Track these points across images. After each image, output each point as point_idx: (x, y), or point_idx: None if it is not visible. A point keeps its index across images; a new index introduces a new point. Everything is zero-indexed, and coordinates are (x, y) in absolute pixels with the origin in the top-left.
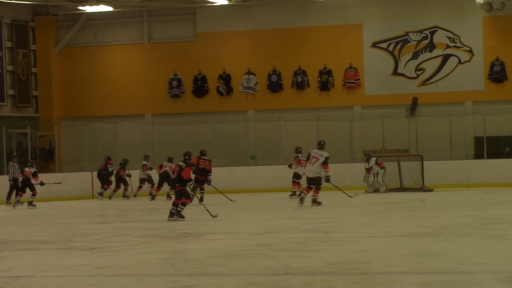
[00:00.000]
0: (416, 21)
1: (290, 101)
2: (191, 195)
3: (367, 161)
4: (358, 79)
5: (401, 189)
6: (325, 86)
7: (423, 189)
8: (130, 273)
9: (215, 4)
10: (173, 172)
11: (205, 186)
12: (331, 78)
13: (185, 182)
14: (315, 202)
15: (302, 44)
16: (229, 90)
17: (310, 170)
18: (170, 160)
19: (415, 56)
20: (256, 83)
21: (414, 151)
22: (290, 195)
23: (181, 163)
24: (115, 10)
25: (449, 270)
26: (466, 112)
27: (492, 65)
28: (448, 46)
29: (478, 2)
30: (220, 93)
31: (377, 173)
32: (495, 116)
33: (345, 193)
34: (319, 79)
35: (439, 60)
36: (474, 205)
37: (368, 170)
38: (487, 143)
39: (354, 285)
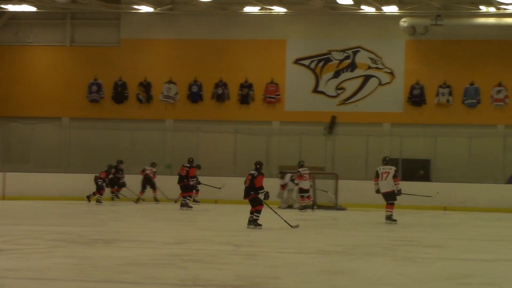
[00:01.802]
0: (339, 40)
1: (210, 112)
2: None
3: (282, 177)
4: (279, 95)
5: (315, 206)
6: (245, 99)
7: (336, 207)
8: (37, 277)
9: (140, 11)
10: (245, 182)
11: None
12: (251, 92)
13: (257, 190)
14: (389, 218)
15: (225, 56)
16: (149, 98)
17: (385, 185)
18: (152, 165)
19: (336, 75)
20: (177, 93)
21: (330, 169)
22: (300, 209)
23: (253, 172)
24: (38, 10)
25: None
26: (383, 133)
27: (412, 88)
28: (369, 67)
29: (402, 26)
30: (140, 101)
31: (292, 190)
32: (412, 139)
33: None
34: (240, 92)
35: (360, 80)
36: (386, 226)
37: (283, 186)
38: (403, 165)
39: None
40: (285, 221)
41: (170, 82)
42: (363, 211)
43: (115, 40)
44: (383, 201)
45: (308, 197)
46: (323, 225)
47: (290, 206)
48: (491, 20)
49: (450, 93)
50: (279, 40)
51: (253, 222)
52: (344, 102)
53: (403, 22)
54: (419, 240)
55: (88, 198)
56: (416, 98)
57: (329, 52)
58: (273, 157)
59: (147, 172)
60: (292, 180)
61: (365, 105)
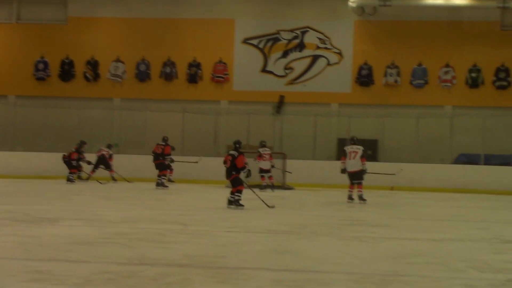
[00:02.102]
0: (288, 20)
1: (158, 91)
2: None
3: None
4: (227, 74)
5: (263, 186)
6: (193, 78)
7: (284, 186)
8: None
9: None
10: (225, 162)
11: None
12: (199, 71)
13: (239, 170)
14: (362, 198)
15: (173, 36)
16: (96, 77)
17: (353, 164)
18: (109, 147)
19: (285, 54)
20: (124, 71)
21: (278, 149)
22: (260, 189)
23: (233, 152)
24: None
25: (305, 268)
26: (331, 113)
27: (360, 68)
28: (318, 47)
29: (351, 6)
30: (87, 79)
31: None
32: (360, 119)
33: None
34: (188, 71)
35: (308, 60)
36: (333, 205)
37: None
38: None
39: (210, 278)
40: (262, 200)
41: (117, 60)
42: (311, 190)
43: (63, 18)
44: (331, 181)
45: (270, 177)
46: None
47: (266, 186)
48: (439, 1)
49: (398, 74)
50: (227, 19)
51: (235, 203)
52: (293, 82)
53: (352, 3)
54: (366, 219)
55: (70, 179)
56: (364, 78)
57: (278, 32)
58: (221, 136)
59: (103, 153)
60: None
61: (313, 85)
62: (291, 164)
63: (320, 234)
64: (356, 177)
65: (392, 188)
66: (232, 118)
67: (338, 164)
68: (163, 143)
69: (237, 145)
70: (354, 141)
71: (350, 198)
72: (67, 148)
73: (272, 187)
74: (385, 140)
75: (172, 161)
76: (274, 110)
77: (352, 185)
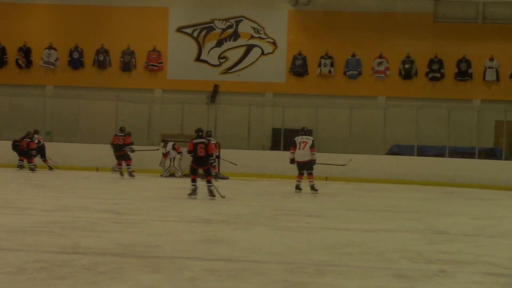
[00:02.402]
0: (222, 9)
1: (91, 79)
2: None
3: (165, 145)
4: (161, 63)
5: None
6: (127, 67)
7: (218, 176)
8: None
9: None
10: (197, 151)
11: None
12: (133, 60)
13: (210, 158)
14: (314, 188)
15: (107, 23)
16: (29, 64)
17: (302, 154)
18: (36, 132)
19: (219, 44)
20: (57, 59)
21: (213, 138)
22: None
23: (202, 140)
24: None
25: (239, 258)
26: (266, 103)
27: (295, 58)
28: (252, 37)
29: None
30: (19, 66)
31: (174, 158)
32: (294, 109)
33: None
34: (122, 59)
35: (242, 50)
36: (267, 195)
37: (165, 154)
38: (284, 135)
39: (143, 268)
40: (217, 191)
41: (50, 47)
42: (245, 180)
43: None
44: (265, 171)
45: (214, 167)
46: (205, 194)
47: (172, 175)
48: None
49: (332, 64)
50: (161, 7)
51: (212, 192)
52: (227, 71)
53: None
54: (300, 209)
55: (20, 167)
56: (298, 68)
57: (212, 21)
58: (155, 125)
59: (41, 140)
60: (173, 148)
61: (247, 75)
62: (225, 153)
63: (254, 224)
64: (305, 167)
65: (326, 179)
66: (166, 107)
67: (272, 154)
68: (122, 134)
69: (200, 133)
70: (305, 132)
71: (298, 188)
72: None
73: (216, 176)
74: (319, 130)
75: (133, 151)
76: (209, 100)
77: (300, 175)
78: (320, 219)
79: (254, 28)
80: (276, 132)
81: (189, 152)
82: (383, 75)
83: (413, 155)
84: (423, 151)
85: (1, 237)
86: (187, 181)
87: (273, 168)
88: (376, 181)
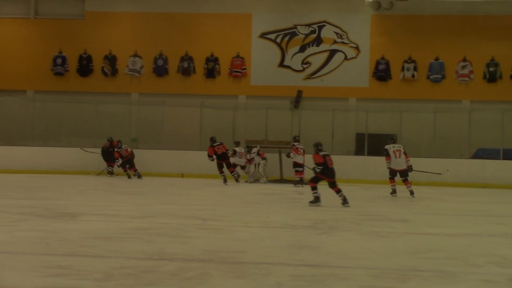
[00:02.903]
0: (305, 14)
1: (175, 86)
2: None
3: (249, 151)
4: (245, 69)
5: (281, 180)
6: (211, 73)
7: (303, 182)
8: (3, 250)
9: None
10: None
11: None
12: (217, 66)
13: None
14: (413, 193)
15: (191, 30)
16: (114, 72)
17: (400, 163)
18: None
19: (302, 49)
20: (142, 66)
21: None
22: (295, 184)
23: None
24: None
25: (324, 263)
26: (349, 108)
27: (378, 63)
28: (335, 42)
29: (367, 0)
30: (105, 74)
31: (258, 164)
32: (377, 113)
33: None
34: (206, 66)
35: (325, 55)
36: (352, 200)
37: (250, 160)
38: (368, 139)
39: (229, 273)
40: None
41: (135, 55)
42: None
43: (80, 13)
44: (349, 176)
45: (301, 172)
46: (290, 200)
47: (256, 180)
48: None
49: (415, 68)
50: (245, 14)
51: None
52: (310, 76)
53: None
54: (385, 214)
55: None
56: (381, 73)
57: (295, 27)
58: (239, 131)
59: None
60: (258, 154)
61: (331, 80)
62: (309, 159)
63: (339, 229)
64: (402, 175)
65: (410, 183)
66: (250, 113)
67: (356, 159)
68: (219, 143)
69: (320, 147)
70: (394, 140)
71: (395, 192)
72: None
73: (301, 182)
74: (403, 134)
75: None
76: (292, 105)
77: (393, 179)
78: (405, 224)
79: (337, 33)
80: (360, 137)
81: (318, 164)
82: (467, 79)
83: (499, 159)
84: (509, 155)
85: (88, 244)
86: (272, 187)
87: (357, 173)
88: (461, 186)
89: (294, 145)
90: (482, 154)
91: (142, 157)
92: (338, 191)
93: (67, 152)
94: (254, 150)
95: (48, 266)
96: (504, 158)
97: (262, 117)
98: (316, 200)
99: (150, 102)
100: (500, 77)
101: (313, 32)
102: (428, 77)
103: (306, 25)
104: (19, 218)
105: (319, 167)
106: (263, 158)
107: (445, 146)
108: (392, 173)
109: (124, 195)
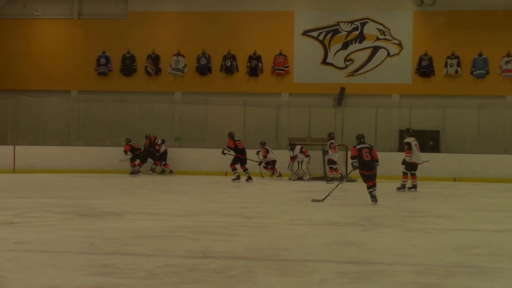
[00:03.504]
0: (347, 11)
1: (218, 84)
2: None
3: (292, 149)
4: (287, 66)
5: (325, 178)
6: (253, 71)
7: (346, 179)
8: (48, 249)
9: None
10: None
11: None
12: (260, 64)
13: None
14: (416, 187)
15: (233, 29)
16: (157, 71)
17: (420, 156)
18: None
19: (345, 46)
20: (185, 65)
21: (339, 141)
22: (327, 181)
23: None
24: None
25: (368, 260)
26: (392, 104)
27: (421, 59)
28: (378, 38)
29: None
30: (148, 73)
31: (302, 161)
32: (421, 110)
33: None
34: (248, 64)
35: (368, 51)
36: (396, 197)
37: (293, 158)
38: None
39: (274, 271)
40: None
41: (178, 54)
42: None
43: (123, 13)
44: (393, 173)
45: (336, 169)
46: (333, 197)
47: (300, 178)
48: None
49: (458, 64)
50: (287, 11)
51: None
52: (353, 73)
53: None
54: (429, 211)
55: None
56: (424, 69)
57: (337, 24)
58: (282, 129)
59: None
60: (301, 151)
61: (373, 77)
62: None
63: (383, 226)
64: (416, 168)
65: (455, 179)
66: (293, 111)
67: (400, 155)
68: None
69: (363, 139)
70: (410, 133)
71: (404, 187)
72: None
73: (341, 179)
74: (447, 130)
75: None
76: (335, 102)
77: (406, 175)
78: (449, 220)
79: (379, 30)
80: (403, 134)
81: (353, 157)
82: (511, 74)
83: None
84: None
85: (133, 243)
86: (315, 184)
87: (401, 169)
88: (506, 181)
89: (332, 142)
90: None
91: (186, 155)
92: (370, 187)
93: (110, 152)
94: (298, 148)
95: (93, 265)
96: None
97: (305, 114)
98: (374, 198)
99: (193, 101)
100: None
101: (355, 29)
102: (471, 73)
103: (348, 22)
104: (63, 217)
105: (354, 160)
106: (307, 156)
107: (489, 142)
108: (410, 167)
109: (168, 193)
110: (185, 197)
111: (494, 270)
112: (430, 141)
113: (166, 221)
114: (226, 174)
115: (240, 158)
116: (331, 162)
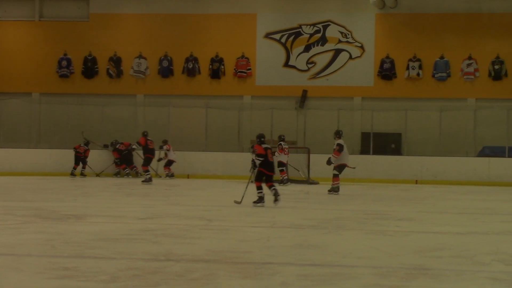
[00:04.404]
0: (309, 14)
1: (180, 87)
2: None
3: (254, 151)
4: (250, 69)
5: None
6: (216, 74)
7: (308, 181)
8: (9, 253)
9: None
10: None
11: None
12: (222, 67)
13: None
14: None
15: (195, 31)
16: (119, 73)
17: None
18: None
19: (307, 49)
20: (147, 68)
21: (302, 143)
22: (280, 183)
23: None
24: None
25: (330, 263)
26: (354, 107)
27: (382, 62)
28: (340, 41)
29: None
30: (110, 76)
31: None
32: (383, 112)
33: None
34: (210, 66)
35: (330, 54)
36: (358, 199)
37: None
38: (374, 139)
39: (235, 274)
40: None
41: (140, 57)
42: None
43: (85, 15)
44: (355, 176)
45: (283, 171)
46: (296, 199)
47: (288, 180)
48: None
49: (420, 67)
50: (249, 14)
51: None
52: (315, 76)
53: None
54: (391, 213)
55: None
56: (386, 71)
57: (299, 26)
58: (244, 131)
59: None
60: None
61: (336, 79)
62: (315, 158)
63: (345, 228)
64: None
65: (416, 182)
66: (255, 113)
67: (362, 158)
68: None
69: (263, 139)
70: (340, 134)
71: (338, 189)
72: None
73: (285, 181)
74: (409, 133)
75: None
76: (297, 105)
77: (338, 177)
78: (410, 223)
79: (341, 33)
80: (365, 136)
81: (259, 155)
82: (473, 77)
83: (504, 157)
84: None
85: (94, 246)
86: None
87: (362, 172)
88: (467, 184)
89: (281, 144)
90: (487, 152)
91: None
92: (271, 186)
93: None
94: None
95: (54, 268)
96: (509, 156)
97: (267, 117)
98: (260, 200)
99: (155, 104)
100: (505, 75)
101: (317, 31)
102: (433, 76)
103: (310, 25)
104: (25, 220)
105: (260, 159)
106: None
107: (450, 145)
108: (341, 168)
109: (130, 196)
110: (147, 200)
111: (455, 272)
112: (392, 143)
113: (128, 224)
114: (188, 176)
115: (149, 158)
116: (280, 164)
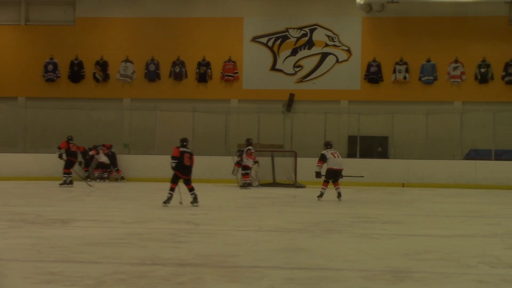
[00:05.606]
0: (296, 18)
1: (167, 91)
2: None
3: (240, 155)
4: (236, 73)
5: (274, 184)
6: (203, 78)
7: (295, 185)
8: None
9: None
10: (187, 161)
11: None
12: (209, 70)
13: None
14: (341, 195)
15: (182, 35)
16: (106, 77)
17: (339, 162)
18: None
19: (294, 52)
20: (134, 71)
21: (289, 147)
22: (241, 187)
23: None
24: None
25: (317, 266)
26: (341, 111)
27: (369, 65)
28: (327, 45)
29: (358, 3)
30: (97, 80)
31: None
32: (369, 116)
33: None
34: (197, 70)
35: (317, 58)
36: (344, 203)
37: (239, 164)
38: (360, 142)
39: (222, 277)
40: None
41: (127, 60)
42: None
43: (71, 19)
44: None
45: (247, 175)
46: (283, 203)
47: (249, 184)
48: None
49: (406, 70)
50: (236, 18)
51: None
52: (302, 79)
53: (360, 0)
54: (377, 216)
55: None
56: (373, 75)
57: (286, 30)
58: (231, 135)
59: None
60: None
61: (322, 83)
62: (301, 162)
63: (332, 232)
64: (339, 175)
65: (403, 185)
66: (242, 117)
67: (349, 162)
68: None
69: (185, 143)
70: (331, 145)
71: (322, 195)
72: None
73: (250, 185)
74: (395, 136)
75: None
76: (284, 108)
77: (326, 183)
78: (397, 226)
79: (328, 36)
80: (352, 140)
81: (174, 158)
82: (459, 80)
83: (491, 160)
84: (500, 156)
85: (80, 250)
86: (264, 191)
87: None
88: (454, 186)
89: (249, 149)
90: (474, 155)
91: (135, 162)
92: (191, 189)
93: (58, 159)
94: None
95: (40, 273)
96: (496, 159)
97: (254, 121)
98: (167, 200)
99: (142, 108)
100: (492, 78)
101: (304, 35)
102: (420, 79)
103: (297, 29)
104: (10, 225)
105: (174, 161)
106: (255, 162)
107: (437, 148)
108: (329, 174)
109: (116, 200)
110: (134, 204)
111: (442, 275)
112: (379, 147)
113: (114, 228)
114: None
115: (71, 161)
116: (245, 168)
